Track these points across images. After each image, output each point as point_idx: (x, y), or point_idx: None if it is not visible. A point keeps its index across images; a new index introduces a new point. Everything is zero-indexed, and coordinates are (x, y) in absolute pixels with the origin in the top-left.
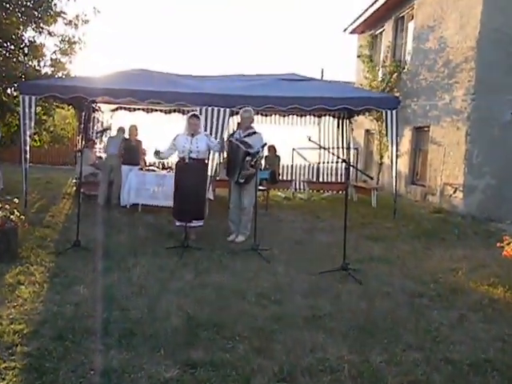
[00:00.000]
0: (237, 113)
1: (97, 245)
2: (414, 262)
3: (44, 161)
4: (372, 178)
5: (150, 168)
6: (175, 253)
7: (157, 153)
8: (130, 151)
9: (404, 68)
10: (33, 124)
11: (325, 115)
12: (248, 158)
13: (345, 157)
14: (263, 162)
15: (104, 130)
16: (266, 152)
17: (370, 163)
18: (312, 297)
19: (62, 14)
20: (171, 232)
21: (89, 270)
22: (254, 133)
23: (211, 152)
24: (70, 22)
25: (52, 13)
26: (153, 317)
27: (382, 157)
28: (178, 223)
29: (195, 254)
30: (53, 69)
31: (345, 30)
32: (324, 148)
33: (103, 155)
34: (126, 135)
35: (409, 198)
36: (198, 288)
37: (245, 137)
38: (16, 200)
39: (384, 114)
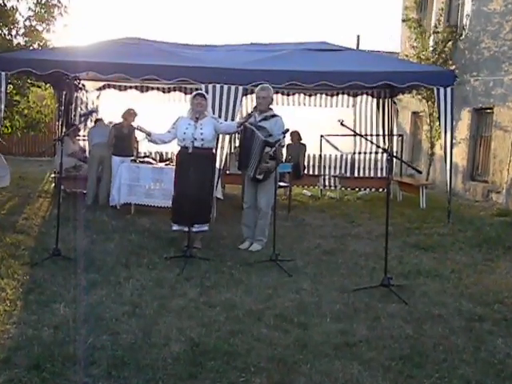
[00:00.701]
0: (252, 91)
1: (80, 254)
2: (472, 277)
3: (16, 151)
4: (421, 172)
5: (145, 160)
6: (176, 264)
7: (140, 129)
8: (121, 140)
9: (461, 35)
10: (3, 106)
11: (361, 94)
12: (267, 149)
13: (386, 146)
14: (284, 152)
15: (89, 113)
16: (287, 140)
17: (417, 154)
18: (345, 320)
19: None
20: (171, 238)
21: (71, 284)
22: (273, 116)
23: (220, 139)
24: None
25: None
26: (149, 342)
27: (433, 146)
28: (175, 227)
29: (200, 266)
30: (27, 39)
31: None
32: (360, 135)
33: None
34: (115, 119)
35: (467, 198)
36: (204, 308)
37: (261, 121)
38: None
39: (436, 93)
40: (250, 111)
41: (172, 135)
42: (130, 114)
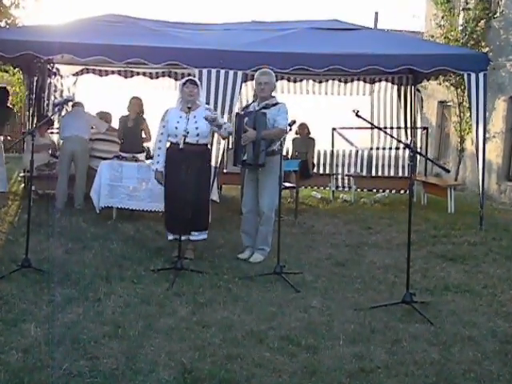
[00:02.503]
0: (252, 77)
1: (54, 266)
2: (508, 293)
3: None
4: (449, 171)
5: (129, 156)
6: (165, 277)
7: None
8: (126, 134)
9: (495, 12)
10: None
11: (380, 80)
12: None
13: (409, 140)
14: (290, 147)
15: (64, 102)
16: (293, 133)
17: (445, 150)
18: (360, 342)
19: None
20: (159, 248)
21: (43, 301)
22: (275, 104)
23: (215, 134)
24: None
25: None
26: (133, 368)
27: (462, 140)
28: (171, 236)
29: (193, 280)
30: None
31: None
32: (378, 128)
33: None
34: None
35: (502, 201)
36: (197, 328)
37: (261, 109)
38: None
39: (466, 79)
40: (250, 100)
41: (167, 137)
42: (134, 104)
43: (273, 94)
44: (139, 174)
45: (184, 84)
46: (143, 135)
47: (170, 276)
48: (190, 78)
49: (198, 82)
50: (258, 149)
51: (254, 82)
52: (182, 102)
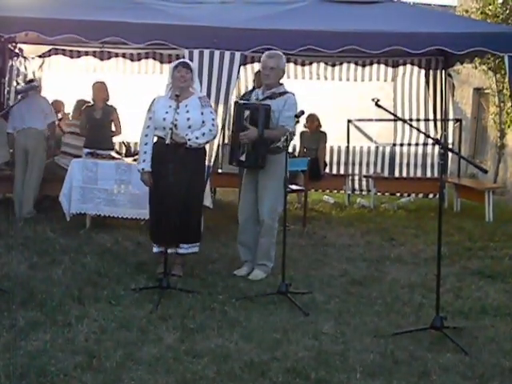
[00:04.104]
0: (253, 60)
1: (16, 284)
2: None
3: None
4: (486, 172)
5: (106, 153)
6: (148, 298)
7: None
8: (93, 128)
9: None
10: None
11: (404, 64)
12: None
13: (439, 135)
14: (297, 142)
15: (29, 89)
16: (301, 126)
17: (482, 146)
18: (381, 375)
19: None
20: (141, 263)
21: (2, 326)
22: (283, 94)
23: None
24: None
25: None
26: None
27: (503, 135)
28: (156, 249)
29: (182, 301)
30: None
31: None
32: (403, 120)
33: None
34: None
35: None
36: (187, 358)
37: (265, 99)
38: None
39: (508, 62)
40: (250, 87)
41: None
42: (98, 90)
43: (281, 81)
44: (118, 174)
45: (176, 67)
46: (112, 128)
47: (155, 296)
48: (184, 60)
49: (193, 66)
50: (259, 150)
51: (255, 65)
52: (172, 89)
